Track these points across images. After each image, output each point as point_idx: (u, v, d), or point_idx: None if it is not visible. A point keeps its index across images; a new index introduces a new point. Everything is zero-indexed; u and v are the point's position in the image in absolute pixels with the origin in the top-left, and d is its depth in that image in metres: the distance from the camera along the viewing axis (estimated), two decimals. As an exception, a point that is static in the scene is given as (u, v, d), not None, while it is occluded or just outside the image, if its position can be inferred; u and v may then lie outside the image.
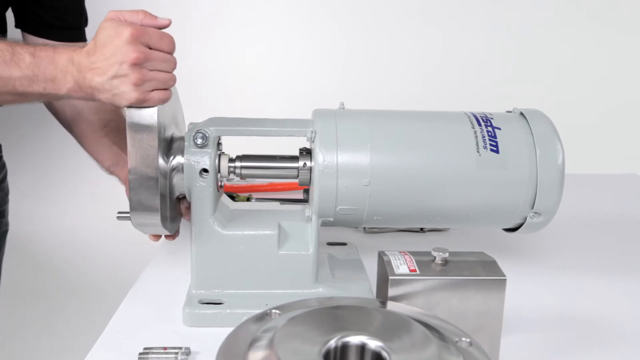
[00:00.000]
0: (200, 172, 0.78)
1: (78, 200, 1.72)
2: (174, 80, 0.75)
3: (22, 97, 0.77)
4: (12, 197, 1.31)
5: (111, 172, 1.02)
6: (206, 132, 0.78)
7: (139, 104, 0.73)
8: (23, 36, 1.09)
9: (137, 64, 0.70)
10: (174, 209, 0.83)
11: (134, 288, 0.89)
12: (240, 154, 0.83)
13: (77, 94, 0.75)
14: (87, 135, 1.07)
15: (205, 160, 0.78)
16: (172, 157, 0.79)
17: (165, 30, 0.75)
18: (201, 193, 0.79)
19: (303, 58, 1.72)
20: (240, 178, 0.84)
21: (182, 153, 0.79)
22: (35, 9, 1.06)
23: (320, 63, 1.72)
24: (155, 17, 0.74)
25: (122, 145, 1.00)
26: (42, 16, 1.06)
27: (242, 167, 0.81)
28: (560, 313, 0.84)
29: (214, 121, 0.81)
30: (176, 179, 0.79)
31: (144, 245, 1.09)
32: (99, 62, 0.71)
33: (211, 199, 0.79)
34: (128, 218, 0.78)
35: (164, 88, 0.74)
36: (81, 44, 0.77)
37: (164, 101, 0.74)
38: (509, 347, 0.72)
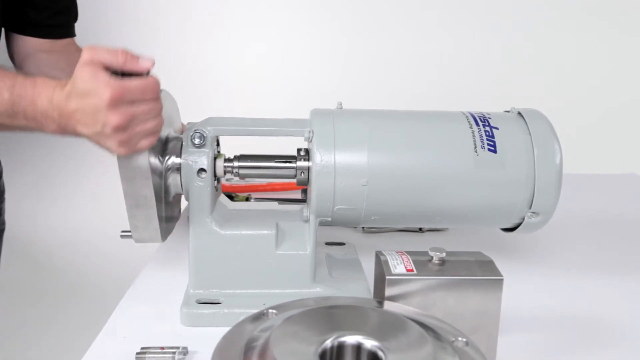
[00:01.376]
0: (198, 172, 0.78)
1: (78, 200, 1.73)
2: (161, 123, 0.72)
3: (5, 128, 0.76)
4: (11, 197, 1.31)
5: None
6: (204, 132, 0.78)
7: (128, 154, 0.71)
8: (7, 35, 1.08)
9: (120, 128, 0.67)
10: (170, 209, 0.83)
11: (132, 288, 0.89)
12: (238, 153, 0.83)
13: (62, 134, 0.72)
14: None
15: (202, 160, 0.79)
16: (167, 157, 0.79)
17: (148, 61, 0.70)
18: (199, 193, 0.79)
19: (302, 58, 1.72)
20: (240, 178, 0.84)
21: (177, 153, 0.79)
22: (25, 9, 1.05)
23: (319, 63, 1.73)
24: (137, 58, 0.69)
25: None
26: (32, 16, 1.05)
27: (239, 167, 0.81)
28: (558, 313, 0.84)
29: (211, 121, 0.81)
30: (171, 178, 0.80)
31: (143, 245, 1.09)
32: (79, 113, 0.68)
33: (209, 199, 0.80)
34: (131, 237, 0.80)
35: (152, 134, 0.71)
36: (59, 82, 0.71)
37: (153, 144, 0.72)
38: (506, 347, 0.72)
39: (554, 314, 0.83)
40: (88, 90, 0.67)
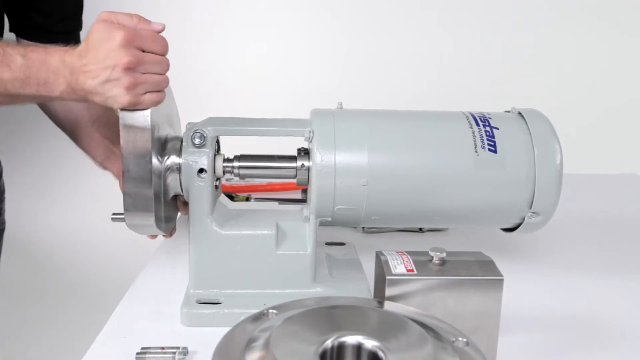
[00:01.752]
0: (198, 172, 0.78)
1: (78, 200, 1.72)
2: (166, 82, 0.75)
3: (14, 98, 0.77)
4: (12, 197, 1.31)
5: (104, 167, 1.02)
6: (204, 132, 0.78)
7: (132, 107, 0.73)
8: (17, 40, 1.09)
9: (129, 68, 0.70)
10: (169, 209, 0.83)
11: (132, 288, 0.89)
12: (238, 153, 0.83)
13: (70, 96, 0.74)
14: (78, 130, 1.06)
15: (203, 160, 0.78)
16: (166, 157, 0.79)
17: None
18: (199, 193, 0.79)
19: (302, 58, 1.72)
20: (240, 178, 0.84)
21: (176, 153, 0.79)
22: (32, 14, 1.05)
23: (319, 63, 1.73)
24: (149, 22, 0.74)
25: (113, 138, 1.00)
26: (38, 21, 1.05)
27: (240, 167, 0.81)
28: (558, 313, 0.84)
29: (212, 121, 0.81)
30: (170, 178, 0.79)
31: (143, 245, 1.09)
32: (91, 64, 0.71)
33: (209, 199, 0.80)
34: (122, 219, 0.77)
35: (157, 90, 0.74)
36: (71, 46, 0.76)
37: (157, 103, 0.74)
38: (507, 347, 0.72)
39: (554, 314, 0.83)
40: (102, 37, 0.70)
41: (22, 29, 1.07)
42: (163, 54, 0.74)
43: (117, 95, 0.71)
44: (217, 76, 1.70)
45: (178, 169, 0.79)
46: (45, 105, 1.09)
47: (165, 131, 0.80)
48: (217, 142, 0.83)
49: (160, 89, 0.74)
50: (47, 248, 1.70)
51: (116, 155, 0.98)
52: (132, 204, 0.75)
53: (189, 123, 0.82)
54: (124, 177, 0.75)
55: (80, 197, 1.72)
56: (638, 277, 0.97)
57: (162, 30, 0.74)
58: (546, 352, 0.74)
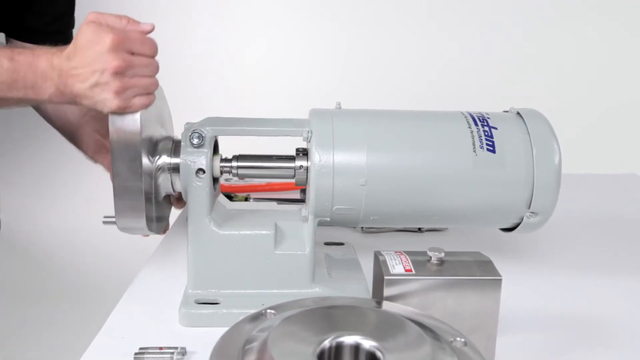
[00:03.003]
0: (197, 172, 0.78)
1: (78, 200, 1.72)
2: (155, 85, 0.75)
3: (1, 102, 0.76)
4: (11, 197, 1.31)
5: (95, 160, 1.02)
6: (202, 132, 0.78)
7: (121, 111, 0.72)
8: (7, 40, 1.08)
9: (118, 73, 0.69)
10: (161, 209, 0.83)
11: (131, 288, 0.89)
12: (237, 153, 0.83)
13: (59, 99, 0.74)
14: (68, 124, 1.06)
15: (201, 160, 0.78)
16: (157, 157, 0.79)
17: (149, 35, 0.73)
18: (197, 193, 0.79)
19: (302, 58, 1.72)
20: (238, 178, 0.84)
21: (168, 153, 0.80)
22: (23, 14, 1.04)
23: (319, 63, 1.73)
24: (138, 23, 0.73)
25: (103, 132, 0.99)
26: (30, 22, 1.04)
27: (238, 167, 0.81)
28: (557, 313, 0.84)
29: (210, 121, 0.81)
30: (162, 178, 0.79)
31: (141, 245, 1.09)
32: (79, 68, 0.70)
33: (207, 199, 0.79)
34: (114, 222, 0.78)
35: (146, 93, 0.73)
36: (59, 48, 0.75)
37: (146, 106, 0.74)
38: (505, 347, 0.72)
39: (553, 314, 0.83)
40: (91, 39, 0.69)
41: (13, 30, 1.06)
42: (152, 56, 0.73)
43: (106, 99, 0.71)
44: (216, 76, 1.70)
45: (169, 169, 0.79)
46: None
47: (156, 131, 0.80)
48: (216, 142, 0.83)
49: (150, 92, 0.74)
50: (46, 248, 1.70)
51: (106, 148, 0.97)
52: (122, 207, 0.76)
53: (187, 123, 0.82)
54: (114, 179, 0.75)
55: (80, 197, 1.72)
56: (638, 277, 0.97)
57: (151, 31, 0.73)
58: (545, 352, 0.74)
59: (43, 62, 0.73)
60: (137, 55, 0.71)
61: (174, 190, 0.82)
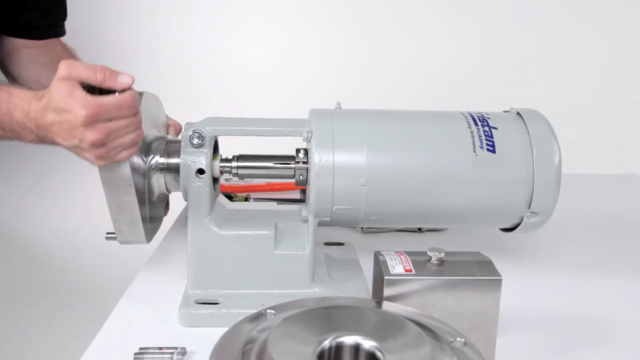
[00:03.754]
0: (197, 172, 0.78)
1: (78, 200, 1.72)
2: (140, 135, 0.72)
3: None
4: (11, 197, 1.31)
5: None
6: (202, 132, 0.78)
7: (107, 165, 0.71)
8: None
9: (96, 145, 0.67)
10: (154, 209, 0.83)
11: (131, 288, 0.89)
12: (237, 154, 0.83)
13: (41, 144, 0.72)
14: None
15: (201, 160, 0.78)
16: (151, 157, 0.79)
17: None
18: (198, 193, 0.79)
19: (302, 58, 1.72)
20: (238, 178, 0.84)
21: (160, 153, 0.80)
22: (15, 10, 1.04)
23: (319, 63, 1.73)
24: (116, 74, 0.67)
25: None
26: (20, 17, 1.04)
27: (238, 167, 0.81)
28: (557, 313, 0.84)
29: (210, 121, 0.81)
30: (155, 178, 0.80)
31: (141, 245, 1.09)
32: (56, 127, 0.68)
33: (208, 199, 0.79)
34: (115, 239, 0.80)
35: (131, 146, 0.71)
36: (35, 94, 0.71)
37: (133, 154, 0.72)
38: (505, 347, 0.72)
39: (554, 314, 0.83)
40: (64, 107, 0.66)
41: (6, 26, 1.06)
42: (132, 115, 0.69)
43: (90, 160, 0.70)
44: (216, 76, 1.70)
45: (162, 169, 0.80)
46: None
47: (149, 132, 0.80)
48: (216, 142, 0.83)
49: (134, 145, 0.71)
50: (47, 248, 1.70)
51: None
52: (123, 233, 0.79)
53: (187, 123, 0.82)
54: (110, 211, 0.76)
55: (80, 197, 1.72)
56: (638, 277, 0.97)
57: (131, 84, 0.69)
58: (545, 352, 0.74)
59: (19, 112, 0.70)
60: (115, 119, 0.68)
61: (167, 190, 0.82)
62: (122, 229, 0.78)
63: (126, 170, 0.73)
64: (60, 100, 0.66)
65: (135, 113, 0.70)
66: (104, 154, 0.69)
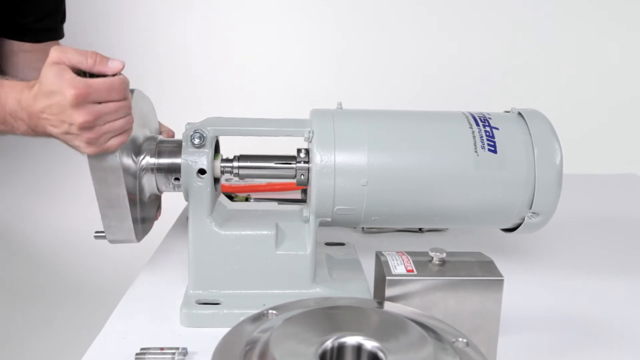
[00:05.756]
0: (198, 172, 0.78)
1: (78, 200, 1.72)
2: (130, 122, 0.71)
3: None
4: (11, 197, 1.31)
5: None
6: (204, 132, 0.78)
7: (98, 154, 0.71)
8: None
9: (86, 127, 0.67)
10: (146, 210, 0.83)
11: (132, 288, 0.89)
12: (238, 154, 0.83)
13: (34, 135, 0.72)
14: None
15: (202, 160, 0.78)
16: (141, 157, 0.79)
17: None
18: (199, 193, 0.79)
19: (302, 58, 1.72)
20: (239, 178, 0.84)
21: (151, 153, 0.80)
22: (12, 14, 1.04)
23: (319, 63, 1.72)
24: (107, 60, 0.68)
25: None
26: (18, 19, 1.04)
27: (239, 167, 0.81)
28: (558, 313, 0.84)
29: (211, 121, 0.81)
30: (146, 178, 0.79)
31: (142, 245, 1.08)
32: (47, 114, 0.68)
33: (209, 199, 0.79)
34: (104, 237, 0.80)
35: (122, 133, 0.71)
36: (27, 83, 0.71)
37: (123, 143, 0.72)
38: (507, 347, 0.72)
39: (554, 314, 0.83)
40: (53, 89, 0.66)
41: (4, 29, 1.05)
42: (122, 99, 0.69)
43: (79, 146, 0.69)
44: (217, 76, 1.69)
45: (153, 169, 0.79)
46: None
47: (139, 132, 0.80)
48: (217, 142, 0.83)
49: (125, 131, 0.71)
50: (47, 248, 1.70)
51: None
52: (112, 230, 0.78)
53: (188, 123, 0.82)
54: (100, 209, 0.75)
55: (80, 197, 1.71)
56: (638, 277, 0.97)
57: (121, 69, 0.69)
58: (546, 352, 0.74)
59: (11, 101, 0.70)
60: (104, 102, 0.67)
61: (159, 191, 0.82)
62: (111, 225, 0.77)
63: (115, 159, 0.72)
64: (50, 84, 0.66)
65: (125, 98, 0.69)
66: (94, 139, 0.68)
